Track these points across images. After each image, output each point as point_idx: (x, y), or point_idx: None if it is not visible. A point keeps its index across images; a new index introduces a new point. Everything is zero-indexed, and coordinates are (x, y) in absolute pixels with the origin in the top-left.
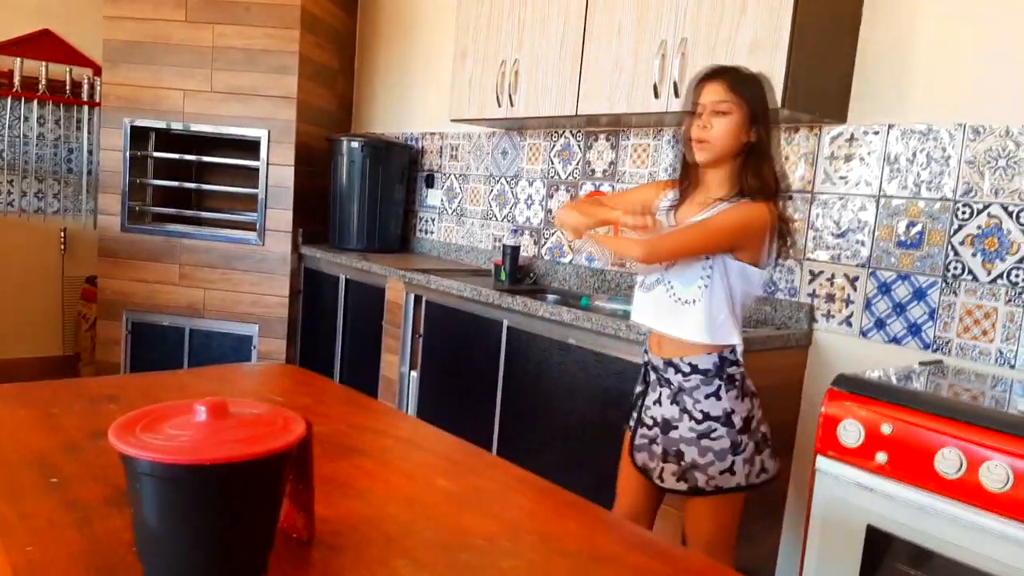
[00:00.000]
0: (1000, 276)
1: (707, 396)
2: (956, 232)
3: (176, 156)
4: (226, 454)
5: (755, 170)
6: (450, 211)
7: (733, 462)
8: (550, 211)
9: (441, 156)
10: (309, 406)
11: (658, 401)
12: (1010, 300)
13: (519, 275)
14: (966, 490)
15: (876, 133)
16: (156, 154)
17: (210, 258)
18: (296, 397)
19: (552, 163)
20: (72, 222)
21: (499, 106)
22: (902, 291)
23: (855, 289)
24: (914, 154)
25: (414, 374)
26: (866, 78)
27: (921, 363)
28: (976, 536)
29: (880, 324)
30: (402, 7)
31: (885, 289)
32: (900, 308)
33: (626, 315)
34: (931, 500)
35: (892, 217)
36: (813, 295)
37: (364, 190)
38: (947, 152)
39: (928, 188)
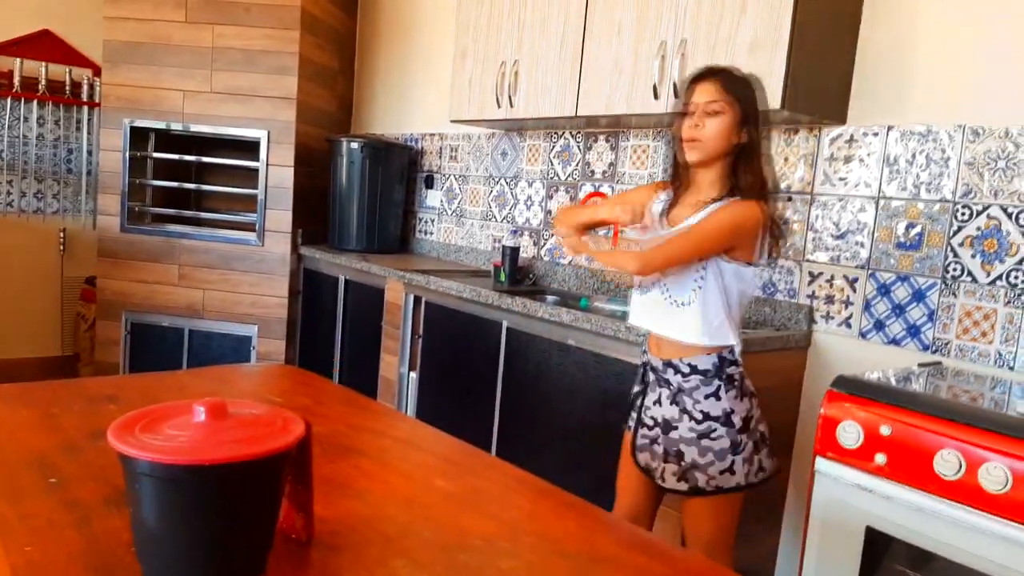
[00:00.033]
0: (999, 278)
1: (707, 396)
2: (955, 233)
3: (176, 157)
4: (225, 454)
5: (746, 170)
6: (450, 212)
7: (733, 462)
8: (550, 212)
9: (441, 157)
10: (308, 407)
11: (658, 401)
12: (1009, 302)
13: (518, 276)
14: (965, 491)
15: (875, 134)
16: (156, 155)
17: (209, 259)
18: (295, 398)
19: (552, 164)
20: (71, 222)
21: (499, 107)
22: (901, 292)
23: (854, 290)
24: (914, 155)
25: (413, 375)
26: (866, 79)
27: (920, 364)
28: (975, 538)
29: (879, 325)
30: (402, 8)
31: (884, 290)
32: (899, 309)
33: (625, 316)
34: (930, 501)
35: (891, 218)
36: (812, 296)
37: (364, 191)
38: (947, 153)
39: (927, 189)
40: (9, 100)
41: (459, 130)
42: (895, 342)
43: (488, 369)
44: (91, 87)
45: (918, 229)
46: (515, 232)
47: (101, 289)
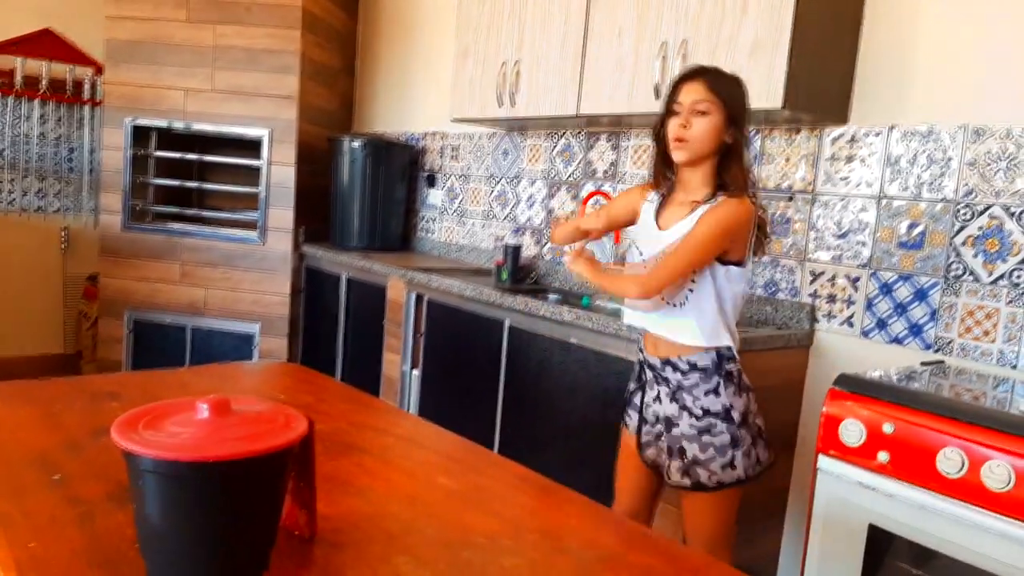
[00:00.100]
0: (1001, 277)
1: (706, 393)
2: (957, 233)
3: (177, 155)
4: (228, 451)
5: (732, 169)
6: (451, 211)
7: (734, 456)
8: (551, 211)
9: (442, 156)
10: (311, 404)
11: (657, 399)
12: (1012, 301)
13: (520, 275)
14: (968, 490)
15: (877, 134)
16: (157, 153)
17: (211, 257)
18: (298, 395)
19: (553, 163)
20: (73, 221)
21: (500, 106)
22: (903, 292)
23: (856, 289)
24: (915, 155)
25: (415, 373)
26: (867, 79)
27: (923, 363)
28: (978, 536)
29: (881, 324)
30: (403, 7)
31: (886, 290)
32: (901, 308)
33: None
34: (933, 500)
35: (893, 218)
36: (814, 295)
37: (365, 189)
38: (948, 153)
39: (929, 189)
40: (11, 99)
41: (460, 129)
42: (897, 341)
43: (490, 367)
44: (93, 86)
45: (920, 229)
46: (517, 231)
47: (103, 287)
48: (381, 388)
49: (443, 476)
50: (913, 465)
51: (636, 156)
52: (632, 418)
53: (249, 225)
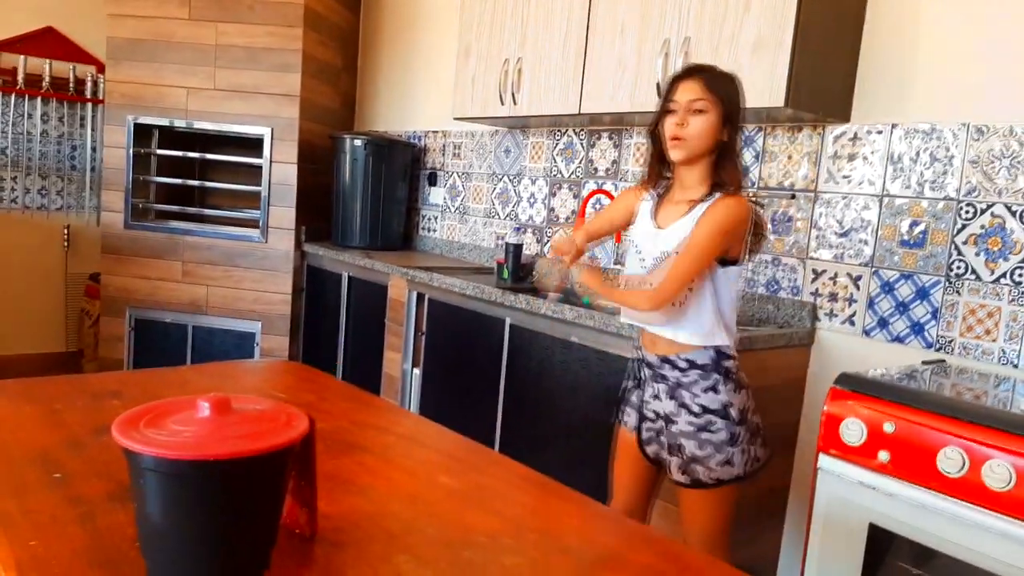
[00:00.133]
0: (1003, 276)
1: (705, 390)
2: (959, 232)
3: (179, 153)
4: (230, 450)
5: (727, 167)
6: (453, 209)
7: (732, 454)
8: (552, 210)
9: (444, 154)
10: (312, 403)
11: (656, 396)
12: (1013, 300)
13: (521, 273)
14: (968, 489)
15: (879, 132)
16: (159, 151)
17: (213, 255)
18: (299, 394)
19: (555, 161)
20: (75, 219)
21: (502, 104)
22: (905, 290)
23: (858, 288)
24: (917, 153)
25: (416, 371)
26: (869, 77)
27: (924, 362)
28: (978, 535)
29: (883, 323)
30: (405, 5)
31: (888, 288)
32: (903, 307)
33: None
34: (933, 499)
35: (895, 216)
36: (816, 294)
37: (367, 188)
38: (950, 152)
39: (931, 188)
40: (13, 97)
41: (462, 127)
42: (899, 340)
43: (491, 366)
44: (95, 84)
45: (922, 227)
46: (518, 229)
47: (105, 285)
48: (382, 387)
49: (444, 475)
50: (914, 464)
51: (638, 154)
52: (630, 415)
53: (251, 224)
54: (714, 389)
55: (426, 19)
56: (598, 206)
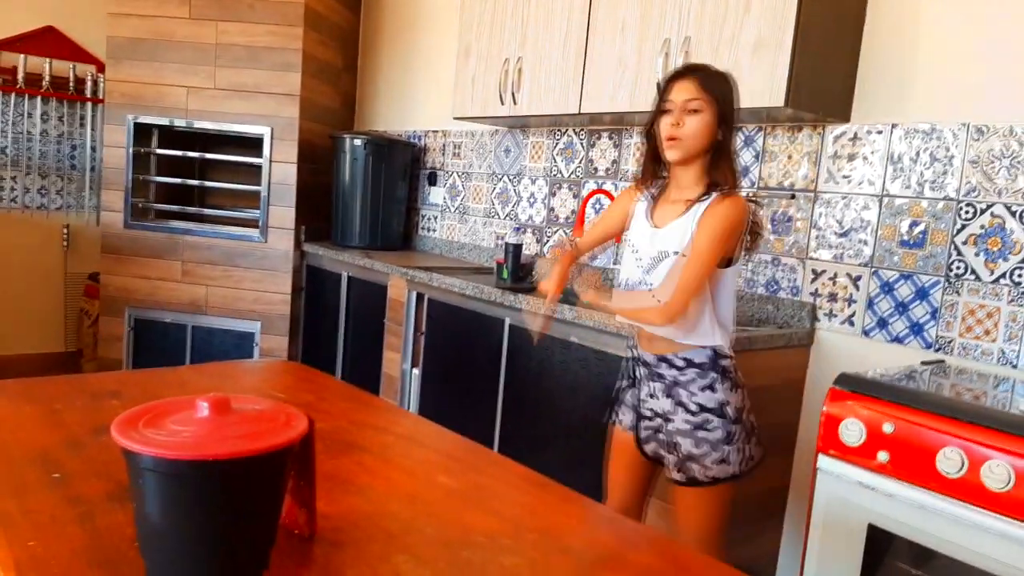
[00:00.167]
0: (1003, 276)
1: (702, 389)
2: (959, 232)
3: (179, 153)
4: (229, 450)
5: (723, 166)
6: (453, 209)
7: (728, 452)
8: (552, 209)
9: (444, 154)
10: (311, 403)
11: (652, 395)
12: (1013, 300)
13: (521, 273)
14: (967, 489)
15: (879, 132)
16: (159, 151)
17: (212, 255)
18: (298, 394)
19: (555, 161)
20: (75, 219)
21: (502, 104)
22: (904, 290)
23: (857, 288)
24: (917, 153)
25: (416, 371)
26: (869, 77)
27: (923, 362)
28: (977, 536)
29: (882, 323)
30: (406, 5)
31: (887, 288)
32: (902, 307)
33: None
34: (932, 499)
35: (895, 216)
36: (815, 294)
37: (367, 188)
38: (950, 152)
39: (931, 188)
40: (13, 96)
41: (462, 127)
42: (898, 340)
43: (490, 366)
44: (95, 83)
45: (922, 227)
46: (518, 229)
47: (104, 285)
48: (381, 387)
49: (443, 475)
50: (913, 465)
51: (638, 154)
52: (625, 415)
53: (250, 223)
54: (711, 388)
55: (426, 19)
56: (598, 206)
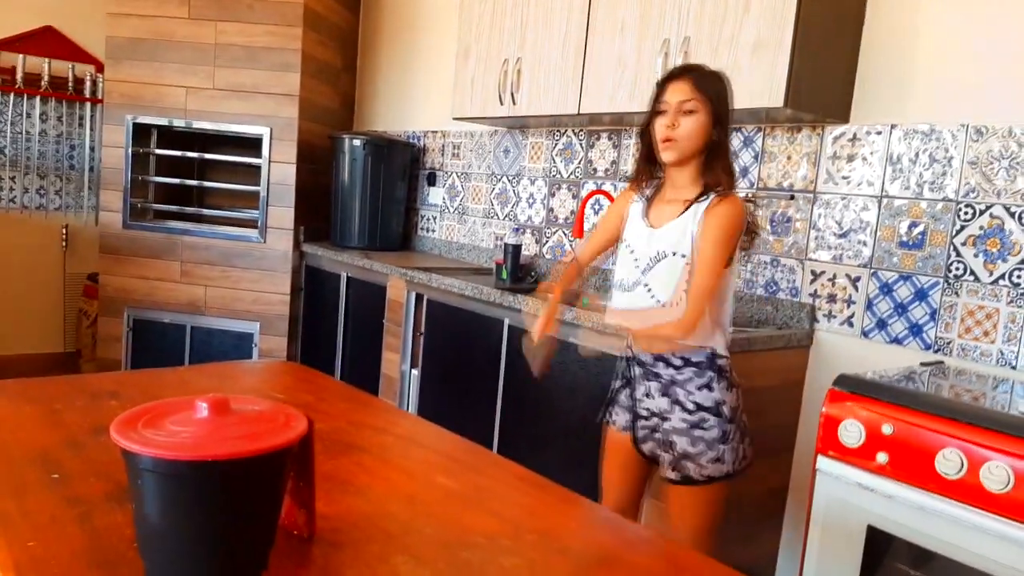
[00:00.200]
0: (1002, 277)
1: (699, 388)
2: (958, 233)
3: (178, 153)
4: (228, 450)
5: (719, 166)
6: (452, 209)
7: (723, 451)
8: (551, 210)
9: (443, 154)
10: (310, 403)
11: (648, 394)
12: (1012, 301)
13: (520, 274)
14: (967, 491)
15: (879, 133)
16: (158, 151)
17: (211, 255)
18: (297, 394)
19: (554, 162)
20: (74, 219)
21: (501, 104)
22: (904, 291)
23: (857, 289)
24: (916, 154)
25: (415, 372)
26: (868, 78)
27: (922, 364)
28: (977, 537)
29: (881, 324)
30: (405, 5)
31: (887, 289)
32: (902, 308)
33: None
34: (932, 501)
35: (894, 217)
36: (815, 295)
37: (366, 188)
38: (949, 153)
39: (930, 189)
40: (12, 96)
41: (462, 127)
42: (897, 341)
43: (490, 366)
44: (94, 83)
45: (921, 228)
46: (517, 230)
47: (103, 285)
48: (380, 387)
49: (442, 476)
50: (912, 466)
51: (637, 155)
52: (620, 415)
53: (249, 224)
54: (708, 387)
55: (425, 19)
56: (597, 207)
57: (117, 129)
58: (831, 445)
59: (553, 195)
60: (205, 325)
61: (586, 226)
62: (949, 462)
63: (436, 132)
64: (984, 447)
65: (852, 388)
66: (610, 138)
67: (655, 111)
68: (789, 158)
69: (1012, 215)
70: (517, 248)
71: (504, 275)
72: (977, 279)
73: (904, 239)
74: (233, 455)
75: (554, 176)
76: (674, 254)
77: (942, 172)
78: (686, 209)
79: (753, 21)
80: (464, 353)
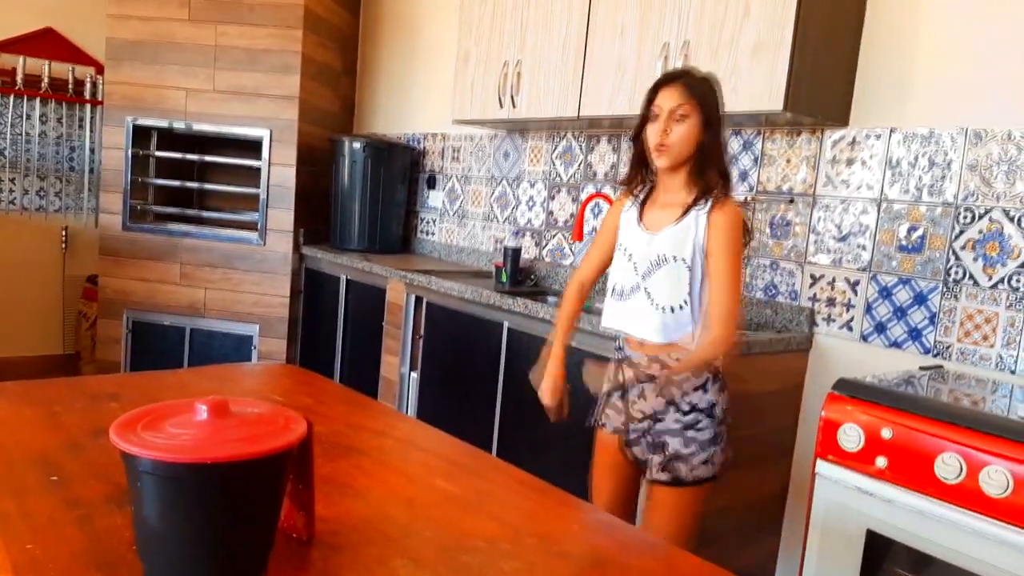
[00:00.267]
0: (1001, 281)
1: (695, 388)
2: (957, 237)
3: (178, 155)
4: (227, 453)
5: (713, 169)
6: (451, 212)
7: (713, 453)
8: (551, 213)
9: (443, 157)
10: (309, 406)
11: (642, 396)
12: (1011, 305)
13: (520, 277)
14: (966, 495)
15: (878, 137)
16: (158, 153)
17: (211, 258)
18: (297, 397)
19: (554, 165)
20: (74, 220)
21: (501, 107)
22: (903, 295)
23: (856, 293)
24: (916, 158)
25: (414, 375)
26: (868, 81)
27: (921, 368)
28: (976, 541)
29: (881, 328)
30: (405, 8)
31: (886, 293)
32: (901, 312)
33: None
34: (931, 505)
35: (893, 221)
36: (814, 299)
37: (366, 191)
38: (949, 156)
39: (930, 192)
40: (12, 97)
41: (461, 131)
42: (896, 345)
43: (489, 370)
44: (94, 85)
45: (920, 232)
46: (517, 233)
47: (103, 287)
48: (380, 390)
49: (441, 479)
50: (911, 470)
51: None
52: (612, 418)
53: (249, 226)
54: (704, 388)
55: (425, 22)
56: (597, 210)
57: (117, 131)
58: (830, 449)
59: (553, 198)
60: (205, 327)
61: (586, 229)
62: (948, 466)
63: (436, 135)
64: (983, 452)
65: (851, 392)
66: (610, 141)
67: (647, 116)
68: (788, 161)
69: (1011, 219)
70: (517, 251)
71: (504, 278)
72: (976, 283)
73: (903, 243)
74: (232, 457)
75: (554, 179)
76: (675, 258)
77: (941, 176)
78: (684, 213)
79: (753, 24)
80: (463, 356)
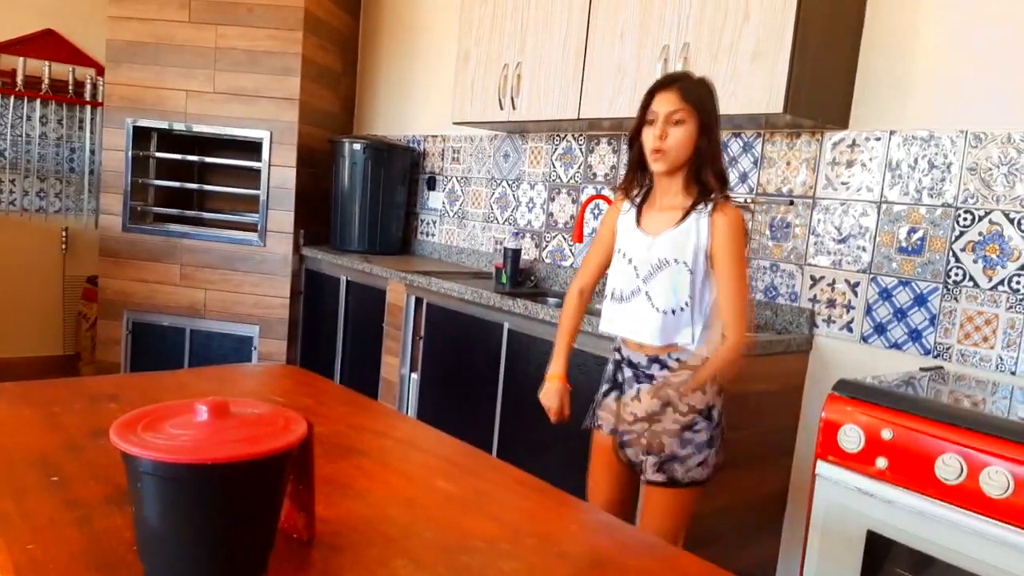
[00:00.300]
0: (1001, 283)
1: (694, 389)
2: (957, 239)
3: (178, 157)
4: (228, 454)
5: (710, 172)
6: (451, 213)
7: (709, 455)
8: (551, 215)
9: (443, 158)
10: (310, 407)
11: (637, 397)
12: (1011, 307)
13: (520, 278)
14: (966, 496)
15: (878, 139)
16: (158, 154)
17: (211, 259)
18: (297, 398)
19: (554, 166)
20: (74, 222)
21: (501, 109)
22: (903, 297)
23: (856, 294)
24: (916, 160)
25: (415, 376)
26: (868, 84)
27: (922, 369)
28: (976, 542)
29: (881, 329)
30: (405, 9)
31: (886, 295)
32: (901, 314)
33: None
34: (931, 506)
35: (893, 223)
36: (814, 300)
37: (366, 192)
38: (948, 159)
39: (929, 194)
40: (12, 99)
41: (461, 132)
42: (897, 346)
43: (489, 371)
44: (94, 86)
45: (920, 234)
46: (517, 234)
47: (103, 288)
48: (380, 391)
49: (442, 479)
50: (912, 471)
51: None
52: (607, 420)
53: (249, 227)
54: (702, 389)
55: (425, 23)
56: (597, 211)
57: (117, 132)
58: (831, 450)
59: (553, 199)
60: (205, 328)
61: (586, 230)
62: (949, 467)
63: (436, 136)
64: (984, 452)
65: (851, 393)
66: (610, 143)
67: (644, 120)
68: (788, 164)
69: (1011, 221)
70: (517, 252)
71: (504, 279)
72: (976, 285)
73: (903, 245)
74: (233, 458)
75: (554, 181)
76: (675, 261)
77: (941, 178)
78: (684, 217)
79: (752, 27)
80: (464, 357)
